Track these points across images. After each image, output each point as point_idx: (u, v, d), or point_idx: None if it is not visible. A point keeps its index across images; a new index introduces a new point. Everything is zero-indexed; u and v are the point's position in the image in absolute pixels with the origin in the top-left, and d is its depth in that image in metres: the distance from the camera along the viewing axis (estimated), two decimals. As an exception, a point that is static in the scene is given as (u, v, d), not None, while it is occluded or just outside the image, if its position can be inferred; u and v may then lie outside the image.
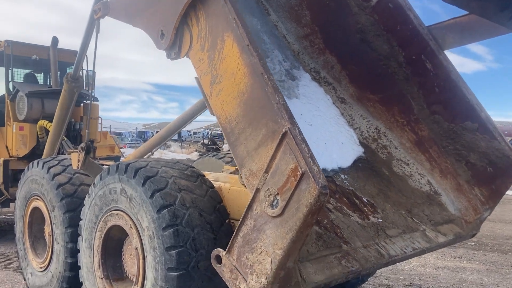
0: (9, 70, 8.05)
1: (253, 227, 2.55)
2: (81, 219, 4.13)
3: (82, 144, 4.18)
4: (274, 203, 2.44)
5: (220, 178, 4.15)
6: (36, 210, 4.99)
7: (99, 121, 8.91)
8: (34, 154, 7.94)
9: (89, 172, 4.36)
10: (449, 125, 4.16)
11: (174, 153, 44.89)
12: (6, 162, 7.75)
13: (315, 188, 2.24)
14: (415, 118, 4.28)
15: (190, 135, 75.41)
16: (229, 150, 7.06)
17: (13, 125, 7.84)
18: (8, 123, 8.02)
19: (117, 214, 3.70)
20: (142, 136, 61.94)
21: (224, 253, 2.71)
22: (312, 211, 2.29)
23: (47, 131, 7.95)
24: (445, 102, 4.13)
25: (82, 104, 8.51)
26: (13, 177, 7.87)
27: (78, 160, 4.22)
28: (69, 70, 8.68)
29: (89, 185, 4.55)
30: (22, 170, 7.98)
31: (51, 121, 7.73)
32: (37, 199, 4.87)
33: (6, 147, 8.04)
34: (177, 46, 3.22)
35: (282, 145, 2.44)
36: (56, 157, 4.99)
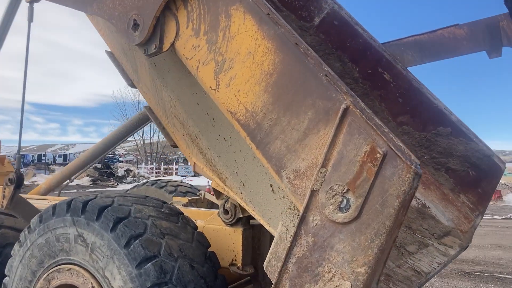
0: None
1: (312, 246, 1.82)
2: (5, 276, 3.08)
3: (11, 175, 3.14)
4: (343, 205, 1.72)
5: (193, 215, 3.42)
6: None
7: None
8: None
9: (17, 212, 3.30)
10: (421, 134, 3.93)
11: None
12: None
13: (408, 169, 1.62)
14: (383, 132, 4.01)
15: (68, 158, 68.06)
16: (159, 178, 6.22)
17: None
18: None
19: (69, 270, 2.76)
20: (23, 160, 56.10)
21: None
22: (405, 203, 1.66)
23: None
24: (412, 111, 3.91)
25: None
26: None
27: (4, 197, 3.17)
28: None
29: (12, 228, 3.52)
30: None
31: None
32: None
33: None
34: (158, 37, 2.43)
35: (345, 125, 1.77)
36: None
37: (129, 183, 41.70)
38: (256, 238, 3.49)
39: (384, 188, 1.66)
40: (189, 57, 2.32)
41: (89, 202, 2.74)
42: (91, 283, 2.65)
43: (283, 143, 1.98)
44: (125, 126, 5.71)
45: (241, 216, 3.22)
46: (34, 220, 2.98)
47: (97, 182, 42.58)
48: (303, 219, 1.85)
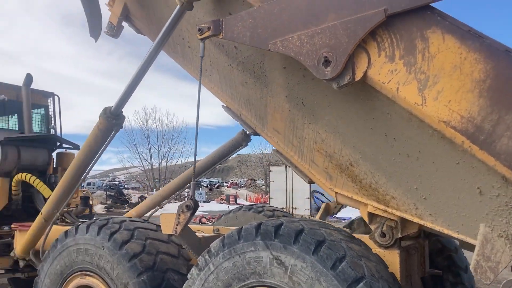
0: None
1: None
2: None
3: (188, 202, 3.29)
4: None
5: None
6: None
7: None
8: (2, 215, 6.47)
9: (184, 240, 3.44)
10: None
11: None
12: (-32, 226, 6.16)
13: None
14: None
15: (83, 185, 69.12)
16: (254, 204, 6.33)
17: (-23, 180, 6.31)
18: (-30, 177, 6.44)
19: (264, 292, 2.89)
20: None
21: None
22: None
23: (24, 187, 6.56)
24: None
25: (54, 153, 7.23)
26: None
27: (178, 223, 3.31)
28: (35, 111, 7.44)
29: (167, 254, 3.67)
30: (-13, 236, 6.55)
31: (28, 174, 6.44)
32: (87, 275, 3.76)
33: (-32, 206, 6.43)
34: (350, 70, 2.68)
35: None
36: (109, 218, 3.94)
37: (143, 209, 41.64)
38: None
39: None
40: (386, 81, 2.57)
41: (281, 227, 2.89)
42: (293, 305, 2.77)
43: (510, 140, 2.17)
44: (219, 151, 5.87)
45: (399, 237, 3.35)
46: (216, 245, 3.12)
47: (111, 209, 42.57)
48: None
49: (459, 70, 2.35)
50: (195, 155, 3.41)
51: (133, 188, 71.52)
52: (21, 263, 5.69)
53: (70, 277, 3.88)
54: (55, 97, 7.60)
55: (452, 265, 4.45)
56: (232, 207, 27.77)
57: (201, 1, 3.55)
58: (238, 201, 47.28)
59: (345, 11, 2.67)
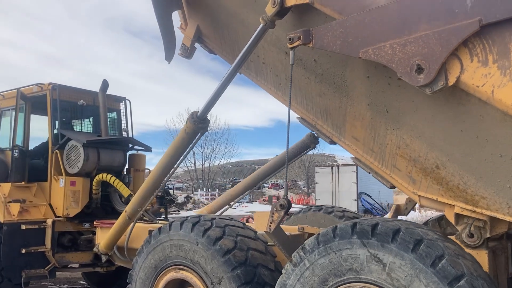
0: (54, 117, 7.07)
1: None
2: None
3: (282, 201, 3.48)
4: None
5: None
6: (174, 283, 4.12)
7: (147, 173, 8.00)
8: (83, 213, 6.90)
9: (276, 237, 3.63)
10: None
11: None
12: (53, 224, 6.62)
13: None
14: None
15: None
16: (323, 205, 6.48)
17: (61, 180, 6.77)
18: (54, 177, 6.92)
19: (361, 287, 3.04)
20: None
21: None
22: None
23: (104, 187, 6.98)
24: None
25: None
26: (57, 240, 6.75)
27: (272, 220, 3.51)
28: (111, 116, 7.85)
29: (256, 250, 3.86)
30: (69, 233, 7.01)
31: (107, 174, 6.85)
32: (181, 269, 4.03)
33: (50, 205, 6.90)
34: (443, 76, 2.79)
35: None
36: (201, 216, 4.20)
37: (189, 209, 42.47)
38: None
39: None
40: (480, 84, 2.68)
41: (378, 226, 3.03)
42: (391, 300, 2.91)
43: None
44: (288, 153, 6.04)
45: (487, 237, 3.40)
46: (311, 242, 3.29)
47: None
48: None
49: None
50: (287, 157, 3.60)
51: (176, 189, 73.03)
52: (103, 258, 6.06)
53: (164, 271, 4.15)
54: (127, 101, 8.02)
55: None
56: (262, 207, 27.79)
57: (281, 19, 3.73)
58: (281, 201, 47.24)
59: (438, 21, 2.79)
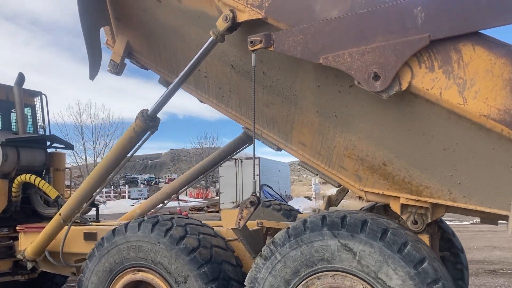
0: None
1: None
2: (248, 287, 3.51)
3: (252, 198, 3.59)
4: None
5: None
6: (131, 286, 4.04)
7: (66, 173, 7.51)
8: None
9: (242, 234, 3.73)
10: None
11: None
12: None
13: None
14: None
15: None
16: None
17: (-25, 182, 6.11)
18: (-33, 179, 6.20)
19: (332, 276, 3.28)
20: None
21: None
22: None
23: (23, 189, 6.45)
24: None
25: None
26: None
27: (241, 218, 3.60)
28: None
29: (218, 247, 3.96)
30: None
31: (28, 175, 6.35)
32: (140, 271, 3.95)
33: (-37, 209, 6.20)
34: (397, 82, 3.15)
35: None
36: (159, 215, 4.13)
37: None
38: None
39: None
40: (429, 87, 3.10)
41: (347, 218, 3.28)
42: (362, 284, 3.18)
43: None
44: (224, 150, 6.15)
45: (428, 222, 3.82)
46: (281, 236, 3.45)
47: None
48: None
49: (491, 73, 2.94)
50: (254, 154, 3.71)
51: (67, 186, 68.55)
52: (29, 265, 5.67)
53: (121, 274, 4.04)
54: (43, 96, 7.46)
55: (452, 247, 5.05)
56: (175, 203, 27.71)
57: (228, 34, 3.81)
58: (180, 197, 47.04)
59: (392, 34, 3.13)
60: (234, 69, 4.15)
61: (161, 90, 4.42)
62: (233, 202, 27.50)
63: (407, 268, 3.07)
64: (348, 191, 5.49)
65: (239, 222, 3.61)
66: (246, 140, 5.71)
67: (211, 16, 3.96)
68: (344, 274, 3.26)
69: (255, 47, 3.57)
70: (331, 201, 5.98)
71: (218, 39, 3.79)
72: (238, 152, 6.12)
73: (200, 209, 33.21)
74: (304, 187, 61.19)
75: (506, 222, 3.16)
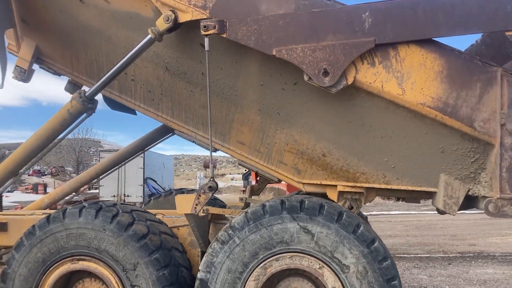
0: None
1: None
2: (204, 272, 3.51)
3: (210, 183, 3.57)
4: None
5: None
6: (66, 276, 3.76)
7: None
8: None
9: (195, 219, 3.70)
10: None
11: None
12: None
13: None
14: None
15: None
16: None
17: None
18: None
19: (290, 257, 3.44)
20: None
21: (496, 197, 3.32)
22: None
23: None
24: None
25: None
26: None
27: (198, 203, 3.56)
28: None
29: (166, 234, 3.91)
30: None
31: None
32: (80, 260, 3.69)
33: None
34: (344, 77, 3.45)
35: (504, 83, 3.29)
36: (104, 202, 3.87)
37: None
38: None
39: None
40: (372, 81, 3.48)
41: (305, 202, 3.46)
42: (319, 264, 3.39)
43: (467, 108, 3.40)
44: (142, 139, 5.99)
45: (362, 206, 4.16)
46: (240, 220, 3.51)
47: None
48: (502, 145, 3.32)
49: (423, 66, 3.40)
50: (211, 144, 3.70)
51: None
52: None
53: (57, 264, 3.72)
54: None
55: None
56: (40, 196, 25.78)
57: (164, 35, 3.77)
58: (48, 190, 43.87)
59: (341, 35, 3.42)
60: (169, 71, 4.10)
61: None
62: (114, 196, 26.40)
63: (360, 247, 3.35)
64: (268, 181, 5.73)
65: (195, 207, 3.57)
66: (170, 129, 5.61)
67: (145, 17, 3.89)
68: (302, 255, 3.43)
69: (208, 32, 3.54)
70: (253, 191, 6.18)
71: (156, 38, 3.71)
72: (162, 141, 5.99)
73: (77, 202, 31.18)
74: (183, 181, 61.16)
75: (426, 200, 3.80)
